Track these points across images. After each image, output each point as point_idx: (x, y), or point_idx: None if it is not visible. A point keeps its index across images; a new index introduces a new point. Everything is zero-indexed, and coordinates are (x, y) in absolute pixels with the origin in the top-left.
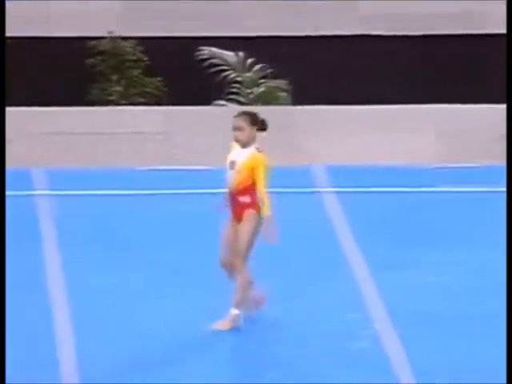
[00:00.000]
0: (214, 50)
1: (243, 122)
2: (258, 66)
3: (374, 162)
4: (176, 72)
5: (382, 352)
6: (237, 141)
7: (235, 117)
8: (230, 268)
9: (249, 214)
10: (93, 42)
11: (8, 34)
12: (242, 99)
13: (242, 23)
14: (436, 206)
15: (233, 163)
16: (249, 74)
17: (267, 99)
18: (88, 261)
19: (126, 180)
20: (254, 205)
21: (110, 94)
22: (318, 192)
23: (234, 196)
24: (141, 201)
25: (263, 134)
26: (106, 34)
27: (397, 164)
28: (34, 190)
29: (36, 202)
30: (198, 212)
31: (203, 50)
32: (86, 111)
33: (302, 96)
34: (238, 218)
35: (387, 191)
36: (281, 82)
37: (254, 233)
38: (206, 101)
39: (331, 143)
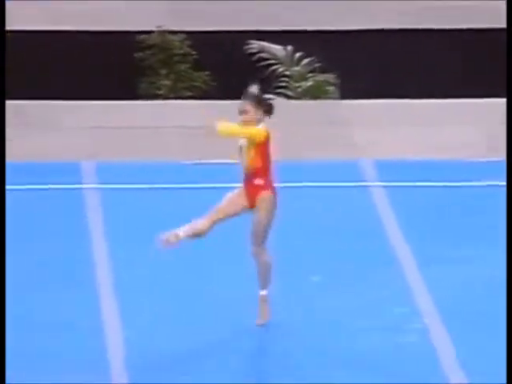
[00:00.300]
0: (263, 43)
1: (248, 105)
2: (306, 60)
3: (423, 156)
4: (224, 66)
5: (431, 346)
6: (243, 124)
7: (241, 100)
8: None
9: (262, 198)
10: (142, 36)
11: (59, 27)
12: (290, 93)
13: (291, 17)
14: (486, 201)
15: (240, 148)
16: (297, 68)
17: (315, 93)
18: (135, 254)
19: (173, 174)
20: (269, 186)
21: (159, 88)
22: (366, 186)
23: (248, 179)
24: (187, 195)
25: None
26: (154, 28)
27: (445, 158)
28: (83, 183)
29: (85, 195)
30: None
31: (252, 43)
32: (134, 105)
33: (350, 90)
34: (251, 200)
35: (435, 185)
36: (329, 76)
37: (270, 217)
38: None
39: (379, 137)
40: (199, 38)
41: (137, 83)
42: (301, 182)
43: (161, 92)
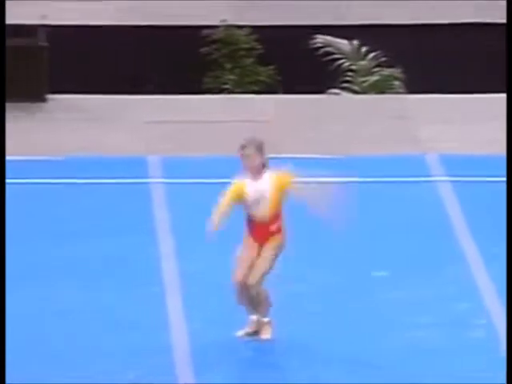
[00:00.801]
0: (329, 38)
1: (252, 151)
2: (372, 55)
3: (489, 151)
4: (289, 60)
5: (496, 342)
6: (250, 170)
7: (243, 147)
8: (242, 287)
9: (275, 239)
10: (207, 31)
11: (124, 23)
12: (355, 88)
13: (357, 11)
14: None
15: (257, 201)
16: (363, 63)
17: (381, 88)
18: (201, 248)
19: (238, 168)
20: (280, 231)
21: (225, 83)
22: (432, 181)
23: (265, 226)
24: None
25: None
26: (220, 23)
27: None
28: (150, 177)
29: (151, 189)
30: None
31: (317, 38)
32: (200, 99)
33: (416, 84)
34: (261, 242)
35: (502, 181)
36: (395, 71)
37: (276, 257)
38: (319, 89)
39: (445, 132)
40: (265, 33)
41: (202, 78)
42: (367, 177)
43: (226, 86)
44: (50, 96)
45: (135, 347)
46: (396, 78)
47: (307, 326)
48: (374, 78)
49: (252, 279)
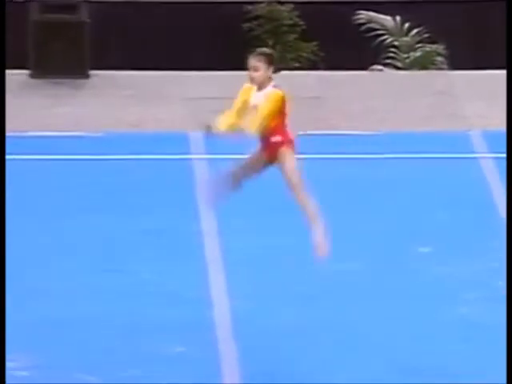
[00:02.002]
0: (372, 14)
1: (259, 62)
2: (415, 31)
3: None
4: (332, 37)
5: None
6: (252, 81)
7: (251, 56)
8: (236, 181)
9: (284, 151)
10: (250, 7)
11: None
12: (398, 64)
13: None
14: None
15: (256, 107)
16: (406, 39)
17: (424, 64)
18: (242, 224)
19: None
20: (287, 142)
21: None
22: (476, 158)
23: (266, 138)
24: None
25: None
26: None
27: None
28: (192, 153)
29: (193, 165)
30: (351, 177)
31: (360, 14)
32: (242, 75)
33: (459, 60)
34: (271, 158)
35: None
36: (438, 47)
37: (297, 163)
38: (362, 66)
39: (489, 108)
40: (307, 9)
41: (244, 54)
42: (409, 153)
43: None
44: (92, 72)
45: (178, 322)
46: (439, 54)
47: (357, 304)
48: (417, 54)
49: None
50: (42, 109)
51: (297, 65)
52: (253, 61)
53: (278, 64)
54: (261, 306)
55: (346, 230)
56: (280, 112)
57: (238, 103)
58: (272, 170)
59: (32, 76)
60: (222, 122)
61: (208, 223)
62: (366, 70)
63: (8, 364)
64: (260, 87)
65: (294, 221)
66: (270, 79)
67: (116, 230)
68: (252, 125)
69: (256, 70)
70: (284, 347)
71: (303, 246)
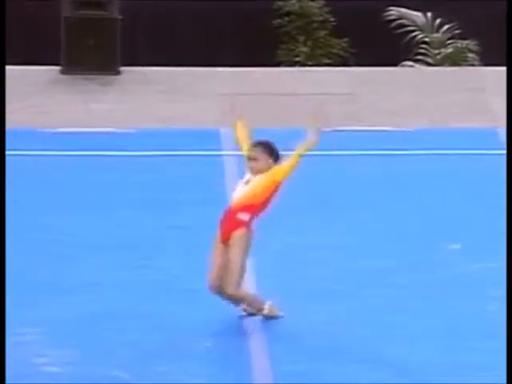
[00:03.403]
0: (402, 10)
1: (259, 153)
2: (446, 27)
3: None
4: (363, 33)
5: None
6: (251, 171)
7: (251, 147)
8: (217, 292)
9: (238, 235)
10: (280, 3)
11: None
12: (429, 60)
13: None
14: None
15: (248, 181)
16: (437, 35)
17: (455, 60)
18: (270, 222)
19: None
20: (248, 224)
21: (297, 55)
22: (505, 154)
23: (232, 212)
24: (326, 161)
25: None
26: None
27: None
28: (222, 149)
29: (224, 162)
30: (382, 173)
31: (391, 10)
32: (272, 72)
33: (491, 56)
34: (225, 237)
35: None
36: (469, 43)
37: (245, 255)
38: (393, 62)
39: None
40: (338, 5)
41: (275, 50)
42: (439, 149)
43: (298, 59)
44: (123, 68)
45: (207, 319)
46: (470, 51)
47: (387, 300)
48: (448, 50)
49: (227, 288)
50: (73, 105)
51: (327, 61)
52: (251, 151)
53: (308, 60)
54: (289, 303)
55: (376, 226)
56: (267, 196)
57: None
58: (299, 169)
59: (63, 72)
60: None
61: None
62: (396, 66)
63: (39, 360)
64: (257, 174)
65: (321, 219)
66: (269, 168)
67: (145, 226)
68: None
69: (255, 160)
70: (312, 345)
71: (333, 244)
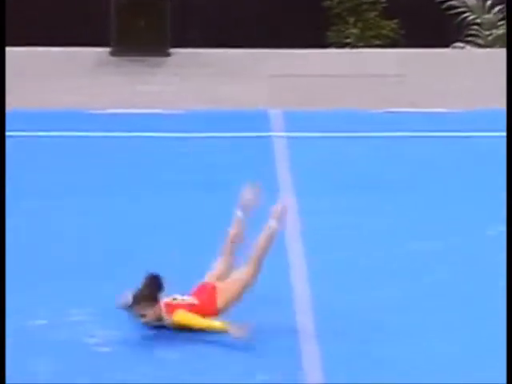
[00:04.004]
0: None
1: (143, 310)
2: (497, 8)
3: None
4: (413, 14)
5: None
6: (148, 324)
7: (133, 308)
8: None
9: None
10: None
11: None
12: (480, 41)
13: None
14: None
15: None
16: (488, 16)
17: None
18: (322, 202)
19: (362, 122)
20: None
21: (347, 37)
22: None
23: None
24: (377, 143)
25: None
26: None
27: None
28: (272, 131)
29: (273, 143)
30: (432, 155)
31: None
32: (322, 53)
33: None
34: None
35: None
36: None
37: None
38: (443, 43)
39: None
40: None
41: (325, 32)
42: (490, 131)
43: (349, 40)
44: (173, 50)
45: (256, 299)
46: None
47: (436, 283)
48: (500, 31)
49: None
50: (122, 86)
51: (377, 43)
52: (137, 310)
53: (359, 42)
54: (340, 286)
55: (425, 208)
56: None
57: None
58: (350, 150)
59: (113, 54)
60: None
61: (287, 202)
62: (447, 47)
63: (90, 340)
64: (163, 317)
65: (372, 200)
66: (161, 310)
67: (196, 207)
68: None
69: (145, 317)
70: (363, 328)
71: (382, 226)
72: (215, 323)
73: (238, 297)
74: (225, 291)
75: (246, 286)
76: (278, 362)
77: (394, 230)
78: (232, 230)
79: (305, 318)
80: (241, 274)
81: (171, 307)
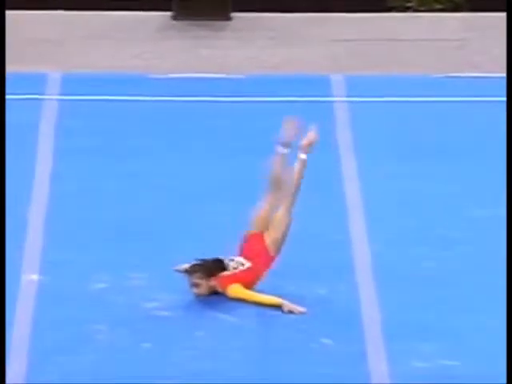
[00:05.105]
0: None
1: (198, 279)
2: None
3: None
4: None
5: None
6: (198, 296)
7: (189, 276)
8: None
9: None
10: None
11: None
12: None
13: None
14: None
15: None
16: None
17: None
18: (383, 168)
19: (424, 87)
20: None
21: (409, 1)
22: None
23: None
24: (439, 108)
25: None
26: None
27: None
28: (334, 96)
29: (334, 108)
30: (495, 120)
31: None
32: (384, 17)
33: None
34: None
35: None
36: None
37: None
38: (505, 7)
39: None
40: None
41: None
42: None
43: (411, 4)
44: (234, 14)
45: (319, 265)
46: None
47: (499, 250)
48: None
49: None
50: (184, 51)
51: (439, 7)
52: (191, 278)
53: (421, 6)
54: (401, 250)
55: (489, 175)
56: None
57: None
58: (414, 114)
59: (175, 18)
60: None
61: (348, 166)
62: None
63: (150, 304)
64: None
65: (434, 166)
66: (213, 287)
67: (257, 171)
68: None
69: (197, 286)
70: (423, 291)
71: (445, 191)
72: (269, 300)
73: (284, 237)
74: (273, 237)
75: (289, 224)
76: (339, 328)
77: (457, 196)
78: (275, 167)
79: (366, 285)
80: (281, 215)
81: (226, 280)
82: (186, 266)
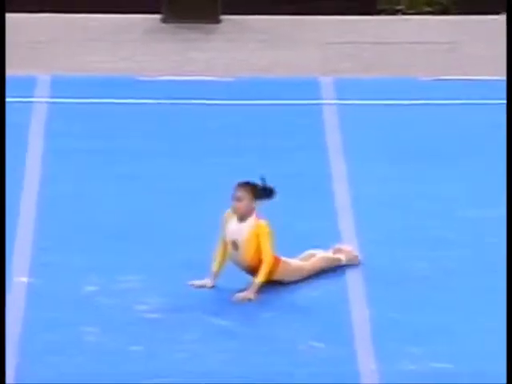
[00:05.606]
0: None
1: (244, 192)
2: None
3: None
4: None
5: None
6: (234, 211)
7: (236, 187)
8: None
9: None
10: None
11: None
12: None
13: None
14: None
15: (235, 244)
16: None
17: None
18: (372, 169)
19: (412, 90)
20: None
21: (398, 3)
22: None
23: (251, 273)
24: (427, 111)
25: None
26: None
27: None
28: (323, 98)
29: (323, 110)
30: (484, 122)
31: None
32: (373, 20)
33: None
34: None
35: None
36: None
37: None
38: (494, 10)
39: None
40: None
41: None
42: None
43: (400, 7)
44: (223, 17)
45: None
46: None
47: (492, 250)
48: None
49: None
50: (173, 54)
51: (428, 10)
52: (237, 191)
53: (409, 9)
54: (391, 252)
55: (482, 176)
56: (261, 241)
57: (220, 242)
58: (405, 120)
59: (164, 21)
60: (214, 265)
61: (338, 168)
62: (498, 14)
63: (141, 307)
64: (242, 218)
65: (424, 169)
66: (252, 211)
67: (247, 173)
68: (262, 277)
69: (239, 200)
70: (413, 293)
71: (435, 193)
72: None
73: (286, 273)
74: (284, 266)
75: (298, 272)
76: (329, 329)
77: (451, 197)
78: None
79: (357, 286)
80: (304, 264)
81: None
82: (202, 282)
